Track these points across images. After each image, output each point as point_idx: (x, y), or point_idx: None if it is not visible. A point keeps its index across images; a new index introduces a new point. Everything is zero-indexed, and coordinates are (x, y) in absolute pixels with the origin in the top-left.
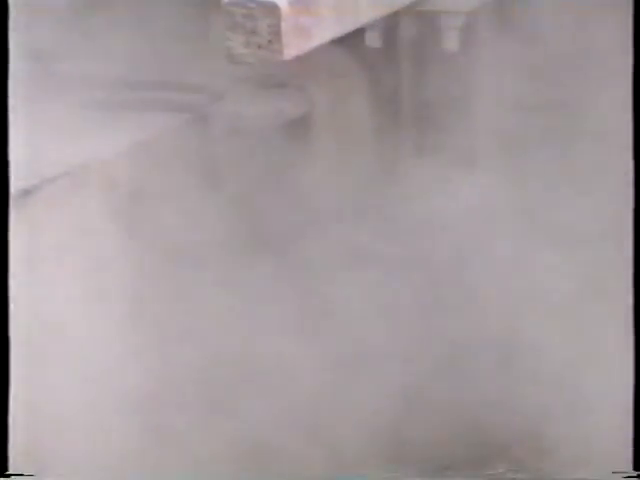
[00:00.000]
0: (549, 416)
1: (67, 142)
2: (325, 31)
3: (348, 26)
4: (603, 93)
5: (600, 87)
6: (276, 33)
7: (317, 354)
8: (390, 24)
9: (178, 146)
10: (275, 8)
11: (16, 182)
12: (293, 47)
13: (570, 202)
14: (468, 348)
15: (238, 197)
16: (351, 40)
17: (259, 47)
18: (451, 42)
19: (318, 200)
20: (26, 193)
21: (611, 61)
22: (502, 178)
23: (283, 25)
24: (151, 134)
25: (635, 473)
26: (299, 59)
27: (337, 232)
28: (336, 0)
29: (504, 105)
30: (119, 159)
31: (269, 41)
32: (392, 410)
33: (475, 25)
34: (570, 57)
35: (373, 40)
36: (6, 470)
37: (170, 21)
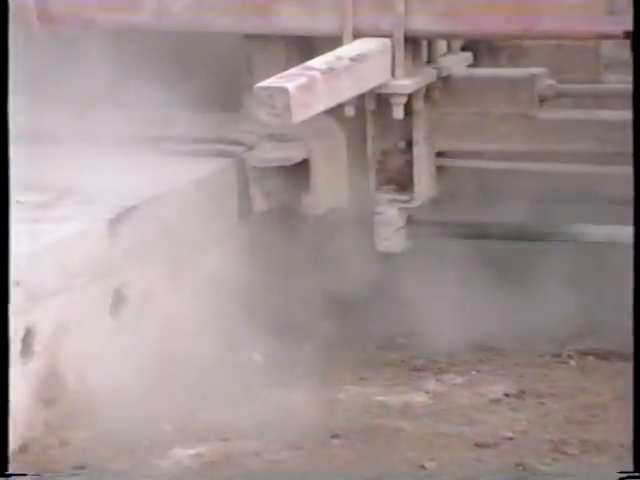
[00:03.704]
0: None
1: (152, 177)
2: (319, 105)
3: (333, 102)
4: None
5: None
6: (287, 107)
7: None
8: (359, 101)
9: (224, 179)
10: (286, 91)
11: (122, 202)
12: (298, 115)
13: None
14: None
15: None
16: (335, 111)
17: (276, 116)
18: (399, 113)
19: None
20: (132, 209)
21: None
22: None
23: (291, 101)
24: (207, 172)
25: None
26: (302, 123)
27: None
28: (326, 85)
29: None
30: (188, 188)
31: (282, 112)
32: None
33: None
34: None
35: (349, 111)
36: (6, 470)
37: (220, 98)
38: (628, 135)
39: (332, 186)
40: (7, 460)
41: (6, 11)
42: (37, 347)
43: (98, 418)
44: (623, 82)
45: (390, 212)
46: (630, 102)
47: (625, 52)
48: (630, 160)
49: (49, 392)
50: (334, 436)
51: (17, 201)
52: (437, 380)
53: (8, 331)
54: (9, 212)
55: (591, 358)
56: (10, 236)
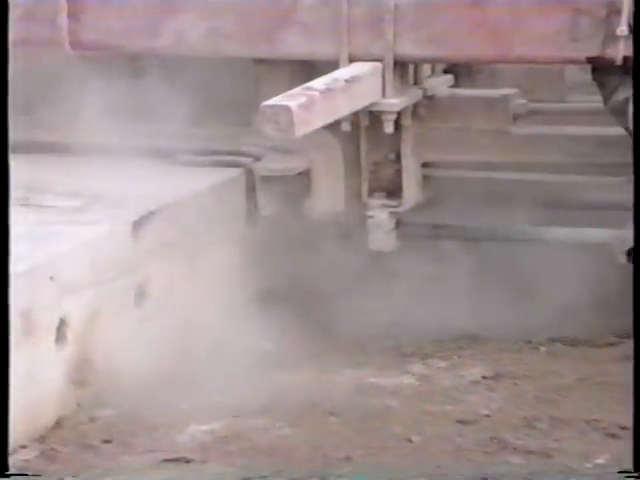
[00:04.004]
0: None
1: (171, 185)
2: (318, 121)
3: (331, 119)
4: None
5: None
6: (290, 122)
7: None
8: (354, 118)
9: (235, 186)
10: (289, 109)
11: (144, 206)
12: (300, 130)
13: None
14: None
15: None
16: (333, 126)
17: (280, 131)
18: (389, 128)
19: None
20: (153, 213)
21: None
22: None
23: (294, 118)
24: (220, 180)
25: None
26: (303, 137)
27: None
28: (324, 104)
29: None
30: (202, 194)
31: (286, 127)
32: None
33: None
34: None
35: (346, 126)
36: (6, 470)
37: (232, 115)
38: (592, 148)
39: (330, 192)
40: (7, 460)
41: (6, 11)
42: (70, 335)
43: (123, 398)
44: (586, 101)
45: (381, 216)
46: (593, 119)
47: (587, 75)
48: (593, 169)
49: (80, 375)
50: (332, 414)
51: (53, 206)
52: (423, 364)
53: (8, 331)
54: (9, 212)
55: (559, 344)
56: (10, 236)
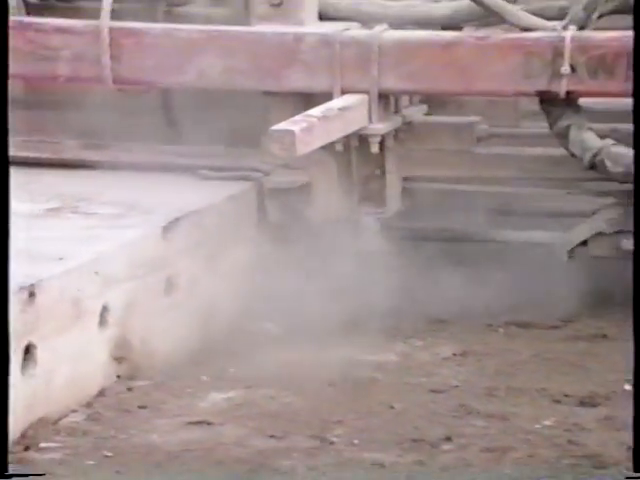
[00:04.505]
0: None
1: (194, 195)
2: (316, 142)
3: (327, 141)
4: None
5: None
6: (293, 143)
7: None
8: (346, 140)
9: (247, 197)
10: (293, 132)
11: (172, 214)
12: (301, 150)
13: None
14: None
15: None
16: (329, 147)
17: (285, 150)
18: (375, 149)
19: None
20: (179, 218)
21: None
22: None
23: (296, 140)
24: (235, 191)
25: None
26: (304, 155)
27: None
28: (322, 128)
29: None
30: (220, 203)
31: (290, 147)
32: None
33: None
34: None
35: (339, 147)
36: (6, 470)
37: (245, 138)
38: (541, 165)
39: (327, 201)
40: (7, 460)
41: (6, 11)
42: (110, 319)
43: (155, 371)
44: (536, 127)
45: (370, 221)
46: (542, 141)
47: (536, 106)
48: (543, 183)
49: (119, 352)
50: (328, 384)
51: (97, 213)
52: (404, 343)
53: (8, 331)
54: (9, 212)
55: (514, 327)
56: (10, 237)
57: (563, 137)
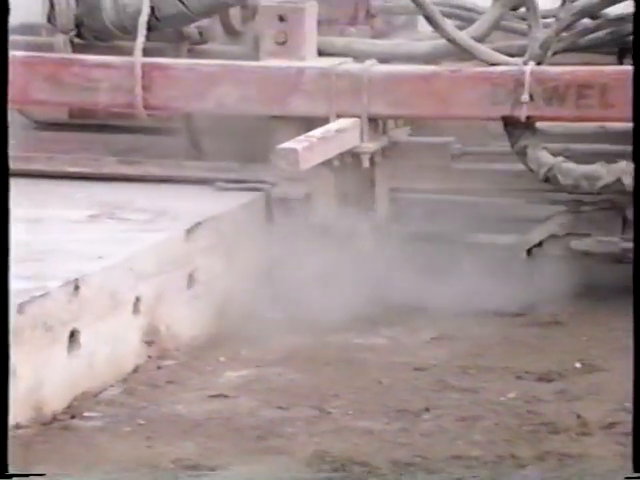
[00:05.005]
0: None
1: (213, 204)
2: (316, 159)
3: (325, 157)
4: None
5: None
6: (296, 160)
7: None
8: (341, 157)
9: (258, 205)
10: (296, 150)
11: (194, 219)
12: (304, 165)
13: None
14: None
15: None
16: (327, 162)
17: (290, 165)
18: (366, 164)
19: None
20: (200, 223)
21: None
22: None
23: (299, 157)
24: (247, 200)
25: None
26: (306, 170)
27: None
28: (321, 147)
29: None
30: (234, 210)
31: (294, 163)
32: None
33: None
34: None
35: (336, 162)
36: (6, 470)
37: (255, 155)
38: (507, 178)
39: (326, 209)
40: (7, 460)
41: (6, 11)
42: (142, 308)
43: (180, 353)
44: (502, 146)
45: (362, 224)
46: (507, 158)
47: (501, 128)
48: (509, 194)
49: (150, 336)
50: (326, 364)
51: (131, 219)
52: (390, 329)
53: (8, 331)
54: (8, 212)
55: (483, 315)
56: (10, 237)
57: (522, 155)
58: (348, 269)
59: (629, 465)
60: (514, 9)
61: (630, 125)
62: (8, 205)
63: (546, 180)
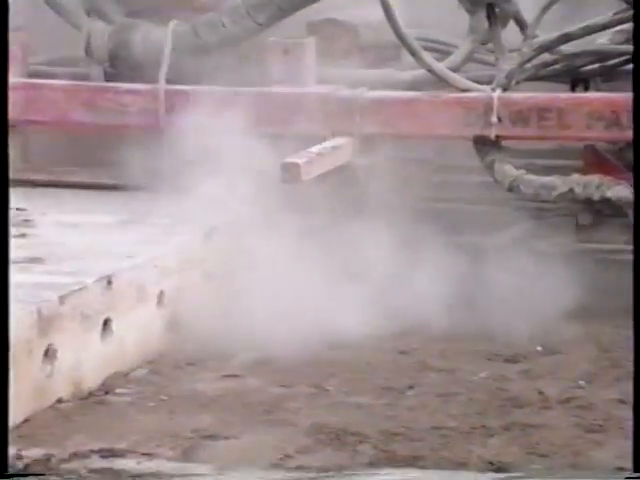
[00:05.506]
0: None
1: (227, 212)
2: (316, 171)
3: (323, 170)
4: None
5: None
6: (298, 173)
7: None
8: (339, 168)
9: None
10: (298, 164)
11: (210, 224)
12: (305, 176)
13: None
14: None
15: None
16: (325, 174)
17: (292, 177)
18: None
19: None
20: (216, 227)
21: None
22: None
23: (301, 170)
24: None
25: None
26: (307, 180)
27: None
28: (319, 161)
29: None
30: (244, 217)
31: (295, 175)
32: None
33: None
34: None
35: (332, 173)
36: (6, 470)
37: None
38: (480, 190)
39: (325, 214)
40: (7, 460)
41: (6, 11)
42: (166, 301)
43: (199, 339)
44: (474, 161)
45: (358, 227)
46: (481, 171)
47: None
48: (483, 202)
49: (172, 325)
50: (326, 348)
51: (155, 223)
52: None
53: (8, 330)
54: (8, 213)
55: (457, 306)
56: (9, 238)
57: (490, 168)
58: (342, 266)
59: (628, 464)
60: (484, 43)
61: (582, 143)
62: (8, 207)
63: (510, 190)
